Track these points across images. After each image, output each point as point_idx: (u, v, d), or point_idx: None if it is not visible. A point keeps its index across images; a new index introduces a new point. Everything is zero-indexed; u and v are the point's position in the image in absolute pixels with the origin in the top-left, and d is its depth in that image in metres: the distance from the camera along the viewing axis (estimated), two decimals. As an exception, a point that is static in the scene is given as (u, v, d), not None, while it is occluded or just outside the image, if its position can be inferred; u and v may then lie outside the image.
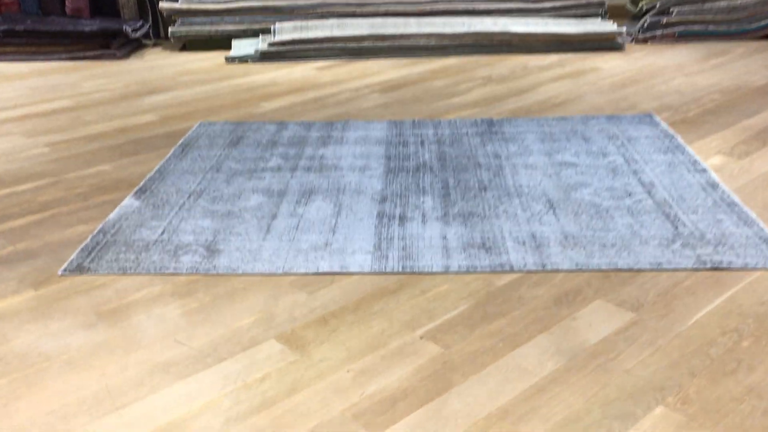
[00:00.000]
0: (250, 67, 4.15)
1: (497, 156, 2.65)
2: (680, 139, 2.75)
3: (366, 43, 4.28)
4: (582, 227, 2.08)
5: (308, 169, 2.59)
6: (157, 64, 4.26)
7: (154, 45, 4.79)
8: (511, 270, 1.87)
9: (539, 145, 2.74)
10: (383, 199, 2.32)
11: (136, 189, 2.45)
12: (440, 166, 2.58)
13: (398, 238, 2.05)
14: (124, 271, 1.92)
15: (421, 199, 2.31)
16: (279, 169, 2.60)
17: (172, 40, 4.54)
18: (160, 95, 3.58)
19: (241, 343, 1.60)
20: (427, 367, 1.50)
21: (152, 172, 2.60)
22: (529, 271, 1.86)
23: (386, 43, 4.27)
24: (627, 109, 3.12)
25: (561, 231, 2.06)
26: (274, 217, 2.21)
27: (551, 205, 2.23)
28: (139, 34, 4.57)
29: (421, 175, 2.51)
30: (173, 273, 1.90)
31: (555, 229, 2.07)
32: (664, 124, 2.92)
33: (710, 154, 2.61)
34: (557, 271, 1.86)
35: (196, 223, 2.18)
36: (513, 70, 3.90)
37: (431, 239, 2.04)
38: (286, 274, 1.89)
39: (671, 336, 1.58)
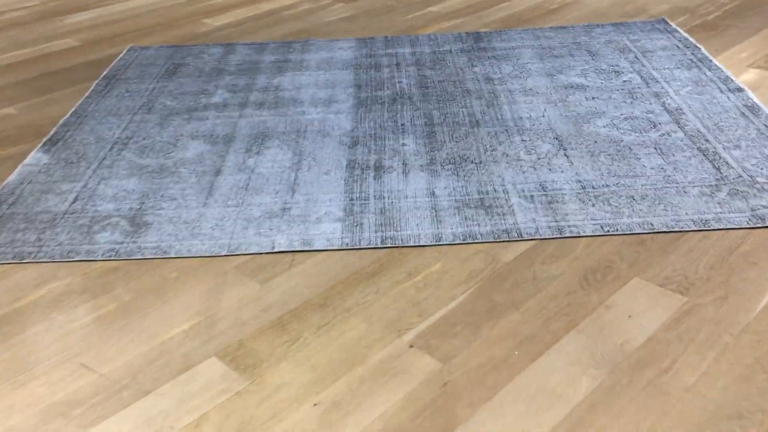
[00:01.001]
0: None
1: (489, 79, 2.19)
2: (704, 50, 2.29)
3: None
4: (602, 173, 1.66)
5: (261, 105, 2.11)
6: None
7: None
8: (520, 237, 1.46)
9: (538, 64, 2.28)
10: (354, 143, 1.87)
11: (45, 139, 1.97)
12: (421, 95, 2.12)
13: (374, 197, 1.62)
14: (20, 259, 1.47)
15: (401, 141, 1.86)
16: (225, 105, 2.12)
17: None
18: (84, 13, 3.01)
19: (171, 366, 1.19)
20: (420, 395, 1.11)
21: (67, 115, 2.10)
22: (543, 239, 1.46)
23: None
24: (635, 14, 2.64)
25: (576, 179, 1.64)
26: (218, 172, 1.76)
27: (561, 144, 1.80)
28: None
29: (399, 107, 2.05)
30: (85, 259, 1.46)
31: (569, 177, 1.65)
32: (681, 31, 2.46)
33: (742, 68, 2.17)
34: (578, 236, 1.46)
35: (118, 184, 1.72)
36: (498, -31, 3.35)
37: (416, 196, 1.61)
38: (231, 254, 1.46)
39: (738, 330, 1.19)
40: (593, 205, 1.55)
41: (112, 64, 2.47)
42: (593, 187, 1.61)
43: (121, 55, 2.55)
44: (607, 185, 1.62)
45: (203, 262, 1.44)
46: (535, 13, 2.72)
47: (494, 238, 1.47)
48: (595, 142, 1.80)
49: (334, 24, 2.75)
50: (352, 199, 1.62)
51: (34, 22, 2.93)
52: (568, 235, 1.46)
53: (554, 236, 1.46)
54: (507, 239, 1.46)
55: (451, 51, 2.43)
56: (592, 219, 1.51)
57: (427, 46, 2.49)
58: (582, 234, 1.46)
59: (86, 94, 2.24)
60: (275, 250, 1.47)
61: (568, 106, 1.99)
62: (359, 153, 1.82)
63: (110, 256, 1.47)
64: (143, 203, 1.64)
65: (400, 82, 2.22)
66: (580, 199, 1.57)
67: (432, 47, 2.47)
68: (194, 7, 3.02)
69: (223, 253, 1.46)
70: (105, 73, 2.40)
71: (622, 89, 2.07)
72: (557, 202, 1.57)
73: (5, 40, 2.73)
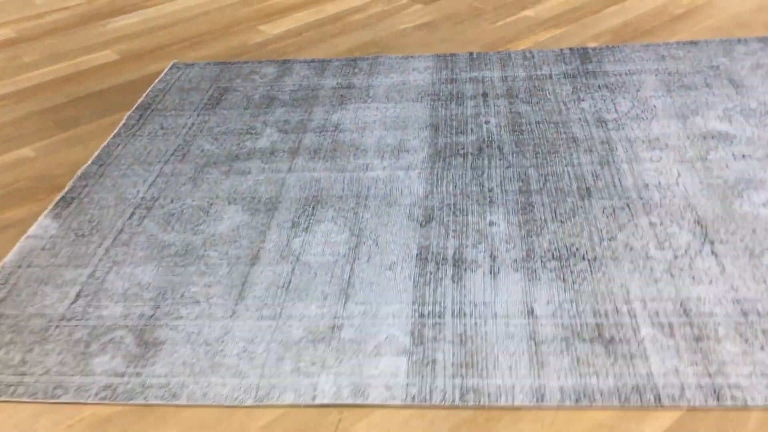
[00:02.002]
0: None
1: (601, 121, 1.72)
2: None
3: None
4: (771, 291, 1.19)
5: (315, 153, 1.72)
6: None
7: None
8: (658, 402, 1.02)
9: (665, 98, 1.79)
10: (427, 218, 1.45)
11: (58, 197, 1.64)
12: (514, 143, 1.67)
13: (453, 313, 1.21)
14: (-4, 396, 1.15)
15: (488, 218, 1.44)
16: (272, 152, 1.74)
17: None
18: (130, 16, 2.67)
19: None
20: None
21: (89, 162, 1.77)
22: (691, 408, 1.01)
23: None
24: (788, 24, 2.09)
25: (733, 296, 1.18)
26: (254, 259, 1.38)
27: (704, 232, 1.33)
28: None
29: (486, 162, 1.61)
30: (73, 401, 1.12)
31: (721, 292, 1.19)
32: None
33: None
34: (745, 407, 1.01)
35: (132, 274, 1.37)
36: (606, -43, 2.81)
37: (508, 315, 1.19)
38: (258, 404, 1.08)
39: None
40: (763, 348, 1.09)
41: (151, 87, 2.12)
42: (758, 314, 1.15)
43: (162, 74, 2.20)
44: (780, 312, 1.15)
45: (220, 415, 1.07)
46: (655, 21, 2.20)
47: (620, 401, 1.04)
48: (754, 231, 1.32)
49: (410, 33, 2.31)
50: (422, 315, 1.22)
51: (74, 27, 2.61)
52: (729, 403, 1.02)
53: (709, 405, 1.02)
54: (639, 405, 1.03)
55: (551, 76, 1.96)
56: (764, 373, 1.05)
57: (521, 68, 2.02)
58: (751, 403, 1.01)
59: (116, 131, 1.90)
60: (316, 402, 1.08)
61: (709, 169, 1.51)
62: (434, 235, 1.41)
63: (105, 398, 1.12)
64: (158, 307, 1.29)
65: (487, 123, 1.77)
66: (741, 335, 1.12)
67: (527, 70, 2.01)
68: (251, 8, 2.63)
69: (248, 403, 1.09)
70: (141, 100, 2.05)
71: (783, 143, 1.57)
72: (708, 338, 1.12)
73: (40, 50, 2.43)
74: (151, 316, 1.28)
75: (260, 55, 2.27)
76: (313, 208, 1.53)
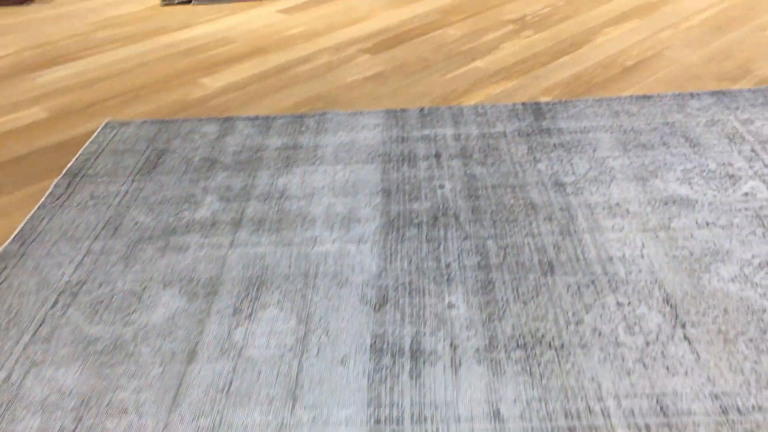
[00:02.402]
0: (194, 11, 3.04)
1: (559, 185, 1.65)
2: (844, 140, 1.73)
3: (350, -30, 3.14)
4: (747, 379, 1.13)
5: (259, 225, 1.60)
6: (69, 11, 3.15)
7: (73, -21, 3.63)
8: None
9: (622, 158, 1.73)
10: (381, 300, 1.35)
11: (-27, 284, 1.47)
12: (470, 210, 1.59)
13: (412, 417, 1.11)
14: None
15: (446, 299, 1.34)
16: (213, 224, 1.61)
17: (91, -27, 3.39)
18: (62, 68, 2.52)
19: None
20: None
21: (10, 239, 1.61)
22: None
23: (377, -30, 3.13)
24: (738, 76, 2.07)
25: (710, 390, 1.10)
26: (191, 355, 1.25)
27: (675, 313, 1.26)
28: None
29: (442, 233, 1.52)
30: None
31: (698, 386, 1.12)
32: (806, 107, 1.89)
33: None
34: None
35: (53, 377, 1.23)
36: (553, 3, 2.80)
37: (472, 418, 1.10)
38: None
39: None
40: (745, 452, 1.01)
41: (82, 149, 1.97)
42: (739, 411, 1.07)
43: (95, 135, 2.05)
44: (760, 407, 1.07)
45: None
46: (607, 73, 2.16)
47: None
48: (725, 311, 1.26)
49: (359, 86, 2.22)
50: (379, 421, 1.10)
51: (2, 79, 2.44)
52: None
53: None
54: None
55: (505, 134, 1.89)
56: (748, 484, 0.97)
57: (474, 125, 1.95)
58: None
59: (41, 201, 1.75)
60: None
61: (674, 239, 1.45)
62: (389, 321, 1.30)
63: None
64: (80, 419, 1.14)
65: (441, 187, 1.69)
66: (721, 436, 1.03)
67: (480, 127, 1.94)
68: (192, 59, 2.51)
69: None
70: (70, 165, 1.90)
71: (746, 208, 1.52)
72: (688, 441, 1.03)
73: (-39, 109, 2.25)
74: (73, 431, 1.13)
75: (201, 111, 2.15)
76: (257, 290, 1.41)
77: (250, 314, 1.35)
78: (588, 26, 2.55)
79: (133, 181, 1.82)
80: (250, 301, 1.38)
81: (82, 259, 1.53)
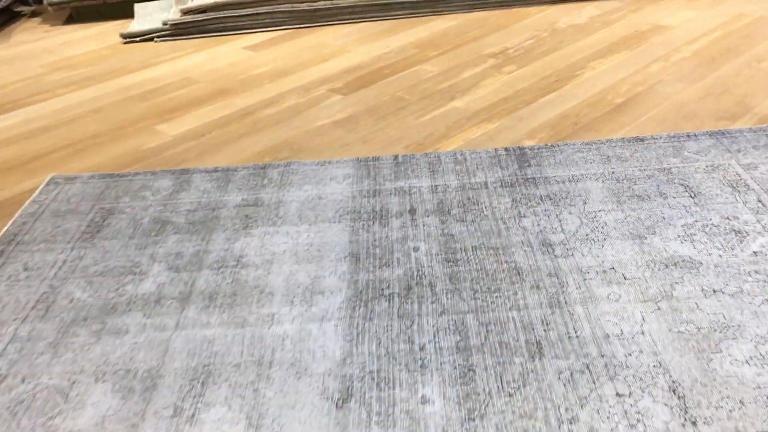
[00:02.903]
0: (156, 49, 2.87)
1: (547, 245, 1.47)
2: None
3: (321, 2, 2.98)
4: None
5: (210, 301, 1.41)
6: (24, 51, 2.97)
7: (32, 15, 3.46)
8: None
9: (616, 212, 1.56)
10: (345, 395, 1.16)
11: None
12: (448, 278, 1.41)
13: None
14: None
15: (419, 391, 1.15)
16: (158, 300, 1.42)
17: (49, 8, 3.22)
18: (10, 115, 2.33)
19: None
20: None
21: (-74, 324, 1.41)
22: None
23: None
24: (737, 114, 1.92)
25: None
26: (119, 473, 1.05)
27: (683, 406, 1.08)
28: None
29: (416, 307, 1.34)
30: None
31: None
32: (812, 148, 1.73)
33: None
34: None
35: (-48, 506, 1.02)
36: (536, 35, 2.65)
37: None
38: None
39: None
40: None
41: (19, 211, 1.78)
42: None
43: (36, 194, 1.86)
44: None
45: None
46: (596, 112, 1.99)
47: None
48: (741, 403, 1.08)
49: (327, 131, 2.05)
50: None
51: (-57, 132, 2.26)
52: None
53: None
54: None
55: (486, 185, 1.72)
56: None
57: (452, 175, 1.78)
58: None
59: (-32, 274, 1.55)
60: None
61: (677, 311, 1.27)
62: (353, 421, 1.11)
63: None
64: None
65: (416, 250, 1.51)
66: None
67: (459, 177, 1.76)
68: (149, 104, 2.33)
69: None
70: (4, 230, 1.71)
71: (756, 271, 1.35)
72: None
73: None
74: None
75: (156, 162, 1.97)
76: (203, 384, 1.22)
77: (192, 415, 1.16)
78: (574, 59, 2.39)
79: (72, 248, 1.63)
80: (194, 398, 1.19)
81: (5, 348, 1.34)
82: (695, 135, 1.85)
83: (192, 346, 1.31)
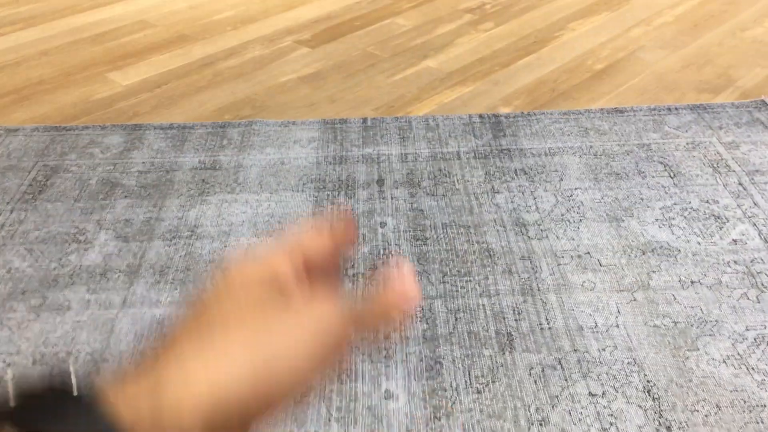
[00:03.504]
0: (111, -13, 2.67)
1: (520, 225, 1.40)
2: (840, 172, 1.52)
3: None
4: None
5: (161, 275, 1.31)
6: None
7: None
8: None
9: (593, 191, 1.49)
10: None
11: None
12: (416, 258, 1.33)
13: None
14: None
15: (383, 386, 1.09)
16: (105, 272, 1.32)
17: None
18: (-53, 55, 2.15)
19: None
20: None
21: None
22: None
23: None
24: (719, 87, 1.85)
25: None
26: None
27: (658, 408, 1.05)
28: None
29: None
30: None
31: None
32: (794, 127, 1.68)
33: None
34: None
35: None
36: (515, -10, 2.52)
37: None
38: None
39: None
40: None
41: (-46, 166, 1.64)
42: None
43: (-27, 146, 1.72)
44: None
45: None
46: (574, 79, 1.91)
47: None
48: (718, 407, 1.03)
49: (292, 88, 1.92)
50: None
51: None
52: None
53: None
54: None
55: (459, 155, 1.63)
56: None
57: (423, 143, 1.68)
58: None
59: None
60: None
61: (653, 302, 1.22)
62: (311, 419, 1.04)
63: None
64: None
65: (383, 225, 1.42)
66: None
67: (431, 145, 1.67)
68: (100, 48, 2.17)
69: None
70: (-63, 186, 1.57)
71: (735, 261, 1.30)
72: None
73: None
74: None
75: (106, 115, 1.83)
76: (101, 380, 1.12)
77: (139, 406, 1.07)
78: (553, 19, 2.28)
79: (12, 210, 1.50)
80: (140, 386, 1.10)
81: (-66, 323, 1.23)
82: (676, 108, 1.78)
83: (140, 326, 1.22)
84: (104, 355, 1.17)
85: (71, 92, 1.94)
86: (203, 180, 1.59)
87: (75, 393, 0.26)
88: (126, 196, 1.54)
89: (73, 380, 0.26)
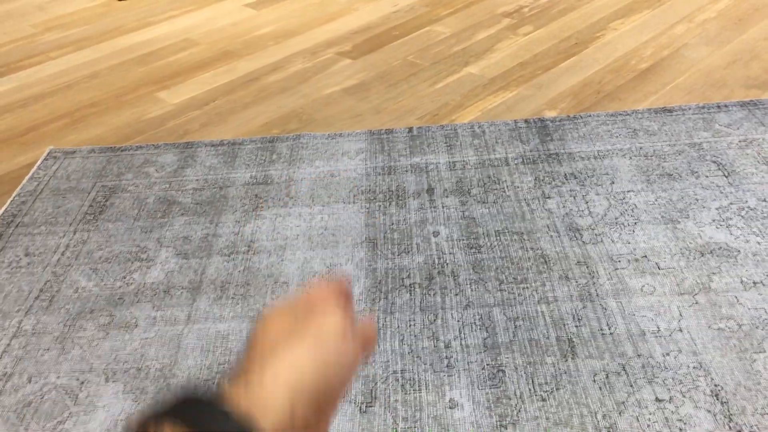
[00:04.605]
0: (153, 5, 2.74)
1: (574, 230, 1.40)
2: None
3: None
4: None
5: (222, 290, 1.35)
6: (13, 9, 2.83)
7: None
8: None
9: (645, 193, 1.48)
10: (369, 398, 1.11)
11: None
12: (471, 266, 1.34)
13: None
14: None
15: (447, 395, 1.10)
16: (168, 290, 1.35)
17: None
18: (2, 81, 2.22)
19: None
20: None
21: (-76, 317, 1.35)
22: None
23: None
24: (767, 81, 1.81)
25: None
26: (135, 486, 0.99)
27: (728, 413, 1.04)
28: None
29: (439, 299, 1.28)
30: None
31: None
32: None
33: None
34: None
35: None
36: (552, -8, 2.52)
37: None
38: None
39: None
40: None
41: (18, 189, 1.70)
42: None
43: (34, 169, 1.77)
44: None
45: None
46: (619, 80, 1.90)
47: None
48: (789, 410, 1.02)
49: (337, 100, 1.95)
50: None
51: (-68, 98, 2.15)
52: None
53: None
54: None
55: (507, 161, 1.63)
56: None
57: (470, 150, 1.69)
58: None
59: (-34, 260, 1.48)
60: None
61: (716, 305, 1.21)
62: (377, 426, 1.06)
63: None
64: None
65: (436, 234, 1.43)
66: None
67: (478, 152, 1.68)
68: (148, 68, 2.22)
69: None
70: (4, 209, 1.63)
71: (797, 260, 1.28)
72: None
73: None
74: None
75: (157, 135, 1.87)
76: (218, 385, 1.15)
77: None
78: (593, 19, 2.27)
79: (75, 231, 1.55)
80: (210, 401, 1.13)
81: (9, 344, 1.28)
82: (726, 106, 1.76)
83: (205, 341, 1.25)
84: (173, 370, 1.20)
85: (123, 113, 1.99)
86: (256, 195, 1.62)
87: (208, 399, 0.33)
88: (183, 214, 1.57)
89: (202, 389, 0.34)
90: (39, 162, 1.81)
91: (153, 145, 1.85)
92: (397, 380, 1.15)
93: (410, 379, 1.15)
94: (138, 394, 1.16)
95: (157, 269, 1.42)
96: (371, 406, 1.11)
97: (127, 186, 1.69)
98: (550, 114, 1.80)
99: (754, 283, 1.25)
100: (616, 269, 1.31)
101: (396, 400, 1.11)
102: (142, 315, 1.31)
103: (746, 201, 1.44)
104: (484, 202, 1.52)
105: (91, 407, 1.15)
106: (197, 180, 1.69)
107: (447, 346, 1.20)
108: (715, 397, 1.07)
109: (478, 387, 1.12)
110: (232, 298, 1.34)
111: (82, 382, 1.19)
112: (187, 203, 1.61)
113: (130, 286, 1.39)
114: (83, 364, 1.23)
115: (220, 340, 1.25)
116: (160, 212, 1.59)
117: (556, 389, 1.11)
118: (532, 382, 1.12)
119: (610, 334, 1.19)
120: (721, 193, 1.48)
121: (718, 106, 1.76)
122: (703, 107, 1.76)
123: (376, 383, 1.14)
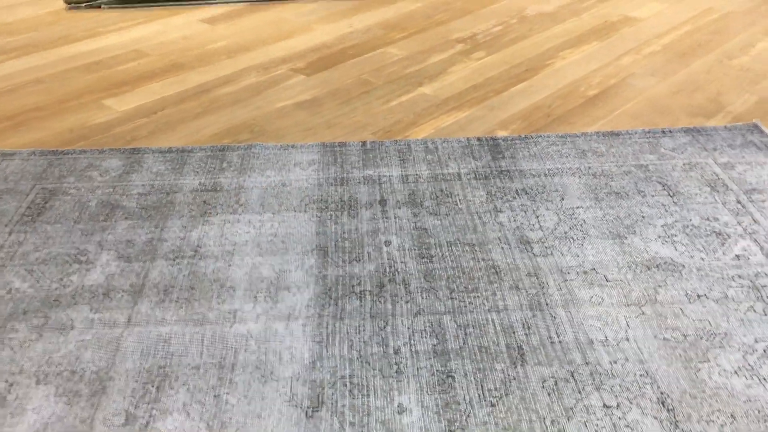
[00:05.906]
0: (103, 17, 2.69)
1: (525, 243, 1.41)
2: (833, 190, 1.55)
3: (283, -23, 2.85)
4: None
5: (166, 294, 1.29)
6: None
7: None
8: None
9: (594, 209, 1.50)
10: (315, 402, 1.07)
11: None
12: (422, 275, 1.33)
13: None
14: None
15: (396, 399, 1.07)
16: (107, 293, 1.30)
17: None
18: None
19: None
20: None
21: None
22: None
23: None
24: (711, 112, 1.89)
25: None
26: (63, 491, 0.94)
27: (674, 420, 1.04)
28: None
29: (390, 306, 1.26)
30: None
31: None
32: (785, 149, 1.72)
33: None
34: None
35: None
36: (505, 20, 2.58)
37: None
38: None
39: None
40: None
41: (-50, 189, 1.62)
42: None
43: (-31, 169, 1.70)
44: None
45: None
46: (569, 104, 1.94)
47: None
48: (732, 417, 1.03)
49: (289, 112, 1.93)
50: None
51: None
52: None
53: None
54: None
55: (460, 176, 1.64)
56: None
57: (423, 164, 1.69)
58: None
59: None
60: None
61: (662, 316, 1.22)
62: (324, 427, 1.02)
63: None
64: None
65: (388, 244, 1.42)
66: None
67: (431, 167, 1.68)
68: (96, 76, 2.17)
69: None
70: (-67, 209, 1.55)
71: (739, 275, 1.31)
72: None
73: None
74: None
75: (103, 140, 1.82)
76: (158, 388, 1.11)
77: (147, 424, 1.05)
78: (544, 48, 2.33)
79: (11, 232, 1.48)
80: (148, 404, 1.08)
81: (-68, 344, 1.20)
82: (671, 131, 1.81)
83: (146, 345, 1.20)
84: (110, 373, 1.14)
85: (67, 118, 1.94)
86: (204, 201, 1.58)
87: None
88: (127, 218, 1.52)
89: None
90: (-25, 163, 1.73)
91: (97, 149, 1.79)
92: (345, 385, 1.12)
93: (358, 384, 1.12)
94: (71, 397, 1.10)
95: (97, 272, 1.37)
96: (317, 411, 1.07)
97: (69, 189, 1.63)
98: (502, 134, 1.82)
99: (698, 296, 1.27)
100: (566, 280, 1.32)
101: (344, 405, 1.08)
102: (79, 317, 1.26)
103: (690, 219, 1.48)
104: (436, 214, 1.52)
105: (19, 410, 1.08)
106: (143, 185, 1.64)
107: (396, 352, 1.18)
108: (661, 405, 1.07)
109: (427, 392, 1.10)
110: (176, 301, 1.29)
111: (11, 384, 1.13)
112: (132, 207, 1.56)
113: (67, 288, 1.33)
114: (13, 365, 1.16)
115: (161, 343, 1.20)
116: (103, 216, 1.53)
117: (506, 395, 1.09)
118: (482, 387, 1.11)
119: (559, 342, 1.19)
120: (666, 211, 1.51)
121: (663, 132, 1.81)
122: (649, 132, 1.81)
123: (323, 388, 1.11)
